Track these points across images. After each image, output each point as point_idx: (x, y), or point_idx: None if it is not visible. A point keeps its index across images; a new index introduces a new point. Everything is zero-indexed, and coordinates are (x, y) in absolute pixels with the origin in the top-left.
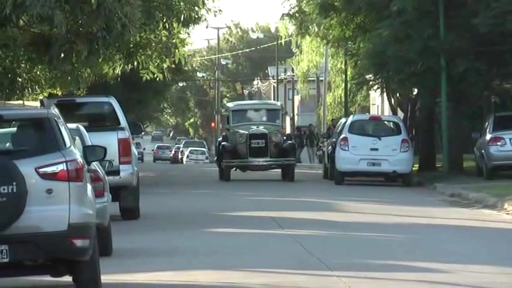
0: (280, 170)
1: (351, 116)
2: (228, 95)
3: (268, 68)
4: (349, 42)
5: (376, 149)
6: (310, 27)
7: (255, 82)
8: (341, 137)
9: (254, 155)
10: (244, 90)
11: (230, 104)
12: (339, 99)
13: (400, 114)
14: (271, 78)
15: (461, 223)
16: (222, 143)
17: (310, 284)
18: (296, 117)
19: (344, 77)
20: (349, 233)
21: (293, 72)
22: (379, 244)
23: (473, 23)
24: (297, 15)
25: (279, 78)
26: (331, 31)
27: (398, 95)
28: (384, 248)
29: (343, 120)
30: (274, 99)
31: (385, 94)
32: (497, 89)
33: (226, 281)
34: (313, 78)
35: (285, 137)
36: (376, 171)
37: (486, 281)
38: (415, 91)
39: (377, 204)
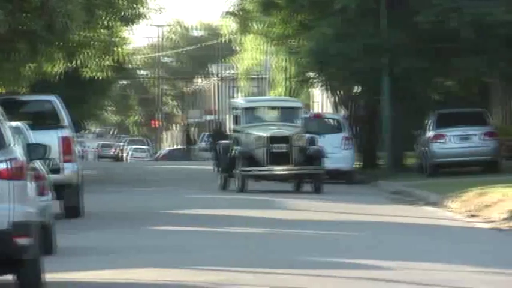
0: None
1: None
2: (170, 93)
3: (211, 66)
4: (291, 40)
5: None
6: (252, 25)
7: (197, 80)
8: None
9: (274, 162)
10: (186, 88)
11: (240, 101)
12: None
13: (342, 112)
14: (213, 76)
15: (405, 220)
16: (236, 148)
17: (254, 281)
18: None
19: (286, 74)
20: (294, 231)
21: (235, 70)
22: (323, 242)
23: (416, 20)
24: (239, 12)
25: (221, 76)
26: (273, 29)
27: (340, 92)
28: (327, 246)
29: None
30: (216, 97)
31: (329, 92)
32: (438, 87)
33: (171, 279)
34: (255, 76)
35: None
36: None
37: (427, 278)
38: (357, 89)
39: (320, 201)
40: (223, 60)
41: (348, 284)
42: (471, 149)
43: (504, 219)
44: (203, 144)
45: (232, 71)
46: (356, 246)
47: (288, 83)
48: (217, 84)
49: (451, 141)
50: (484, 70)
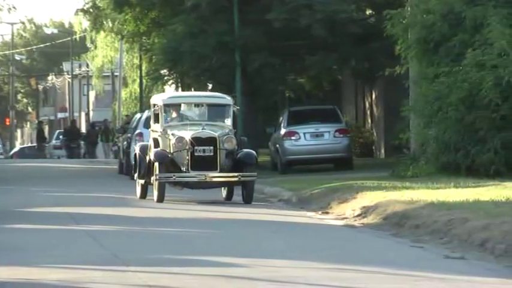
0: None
1: (146, 111)
2: (22, 91)
3: (63, 64)
4: (144, 38)
5: None
6: (104, 22)
7: (49, 78)
8: (136, 132)
9: (198, 167)
10: (38, 86)
11: (161, 97)
12: (135, 95)
13: None
14: (66, 73)
15: (259, 217)
16: (155, 150)
17: (106, 279)
18: (91, 113)
19: (139, 72)
20: (147, 228)
21: (88, 68)
22: (178, 239)
23: (268, 18)
24: (91, 10)
25: (74, 73)
26: (125, 26)
27: (193, 90)
28: (182, 244)
29: (138, 115)
30: (69, 95)
31: (180, 89)
32: (291, 84)
33: (24, 277)
34: (108, 74)
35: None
36: None
37: (284, 275)
38: (210, 86)
39: (175, 200)
40: (75, 57)
41: (203, 281)
42: (323, 146)
43: (357, 215)
44: (56, 142)
45: (85, 69)
46: (210, 244)
47: (141, 80)
48: (70, 82)
49: (303, 138)
50: (336, 67)
